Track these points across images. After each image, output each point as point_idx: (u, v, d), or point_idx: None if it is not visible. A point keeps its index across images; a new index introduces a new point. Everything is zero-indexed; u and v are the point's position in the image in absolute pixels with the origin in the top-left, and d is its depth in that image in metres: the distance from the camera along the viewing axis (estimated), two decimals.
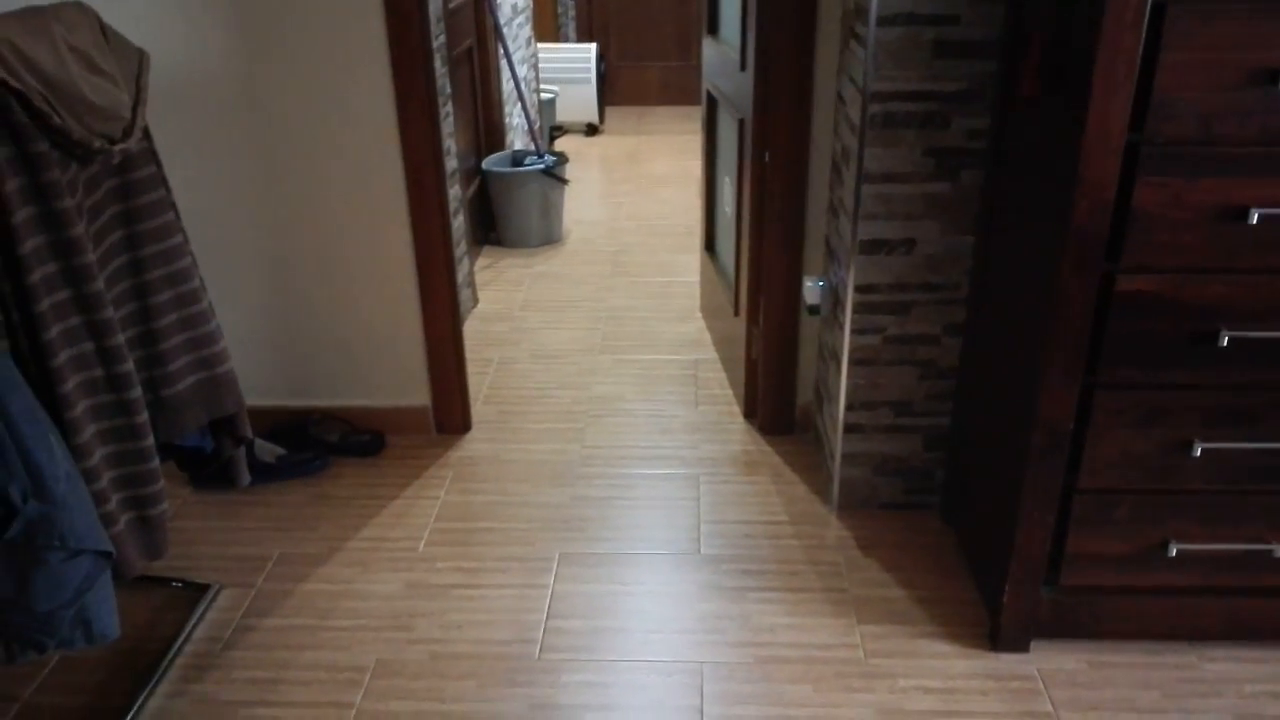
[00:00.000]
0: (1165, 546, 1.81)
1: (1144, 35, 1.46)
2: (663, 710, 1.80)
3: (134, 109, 1.55)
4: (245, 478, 1.93)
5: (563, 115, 5.83)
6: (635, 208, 4.65)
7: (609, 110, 6.51)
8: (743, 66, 2.52)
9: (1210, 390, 1.69)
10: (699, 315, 3.45)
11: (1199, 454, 1.73)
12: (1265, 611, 1.88)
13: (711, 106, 3.06)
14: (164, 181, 1.67)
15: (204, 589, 2.11)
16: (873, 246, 2.11)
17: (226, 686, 1.87)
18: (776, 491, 2.44)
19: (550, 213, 4.10)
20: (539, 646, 1.95)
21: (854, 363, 2.22)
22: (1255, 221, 1.56)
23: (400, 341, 2.61)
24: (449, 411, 2.70)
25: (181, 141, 2.39)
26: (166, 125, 2.37)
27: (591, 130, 5.99)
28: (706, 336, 3.29)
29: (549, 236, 4.14)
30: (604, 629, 2.00)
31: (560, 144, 5.62)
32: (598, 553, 2.22)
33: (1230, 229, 1.58)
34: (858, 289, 2.15)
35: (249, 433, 1.87)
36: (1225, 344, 1.65)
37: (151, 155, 1.65)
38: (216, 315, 1.79)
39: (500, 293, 3.69)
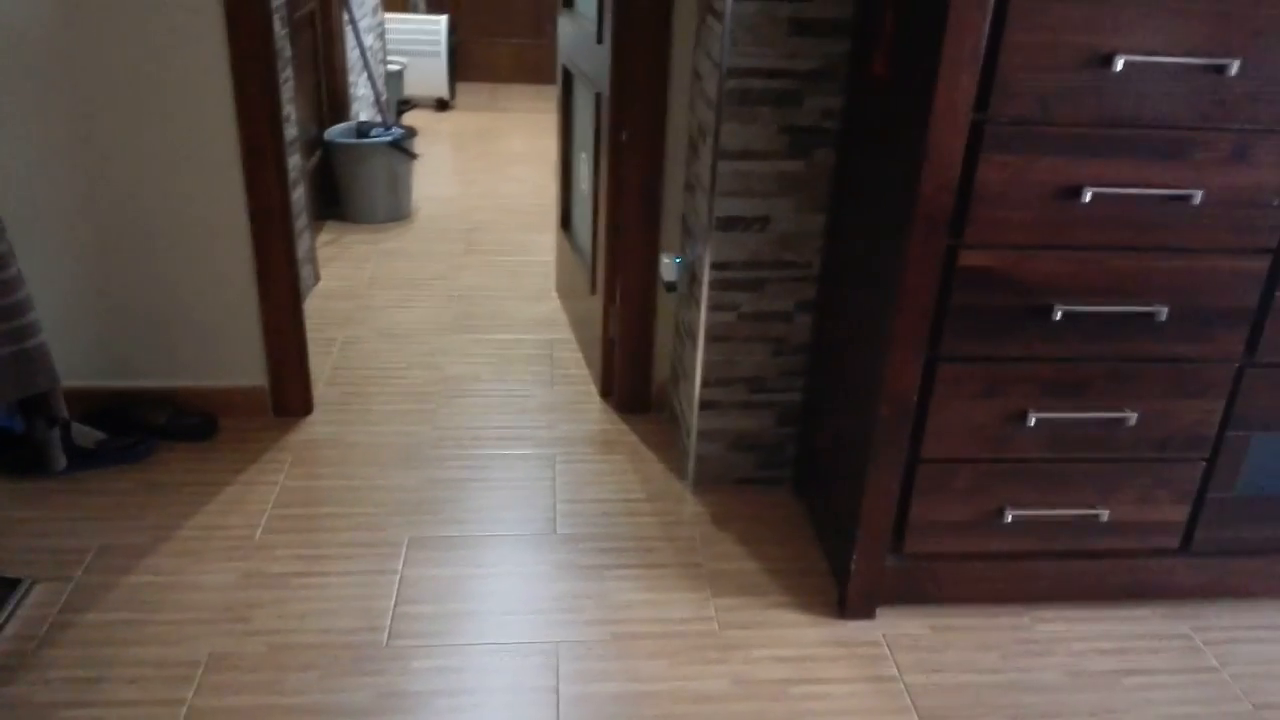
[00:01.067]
0: (1001, 513, 1.89)
1: (990, 16, 1.51)
2: (518, 692, 1.76)
3: None
4: (60, 461, 1.78)
5: (411, 89, 5.65)
6: (488, 185, 4.55)
7: (460, 86, 6.35)
8: (599, 40, 2.48)
9: (1044, 363, 1.77)
10: (554, 295, 3.40)
11: (1033, 424, 1.81)
12: (1092, 573, 1.99)
13: (568, 82, 3.01)
14: None
15: (14, 584, 1.93)
16: (729, 223, 2.11)
17: (42, 688, 1.71)
18: (633, 470, 2.43)
19: (398, 188, 3.96)
20: (387, 633, 1.87)
21: (710, 339, 2.22)
22: (1088, 200, 1.64)
23: (234, 317, 2.46)
24: (288, 392, 2.56)
25: None
26: None
27: (442, 105, 5.84)
28: (562, 316, 3.24)
29: (397, 212, 4.00)
30: (456, 613, 1.94)
31: (409, 118, 5.44)
32: (450, 535, 2.16)
33: (1065, 207, 1.65)
34: (714, 266, 2.15)
35: (64, 412, 1.72)
36: (1058, 318, 1.73)
37: None
38: (27, 285, 1.63)
39: (344, 269, 3.54)
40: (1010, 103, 1.58)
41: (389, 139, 3.85)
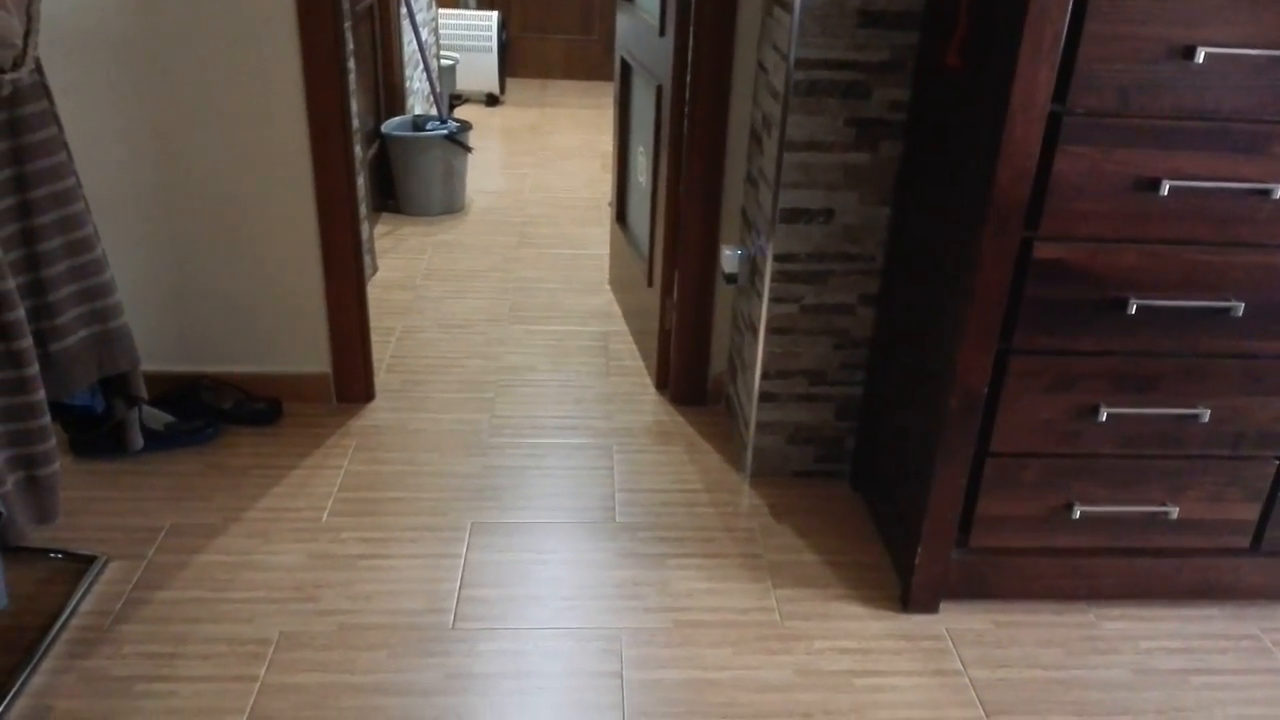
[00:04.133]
0: (1070, 509, 1.88)
1: (1070, 7, 1.50)
2: (582, 676, 1.78)
3: (25, 37, 1.43)
4: (138, 441, 1.82)
5: (463, 84, 5.69)
6: (539, 179, 4.58)
7: (509, 82, 6.39)
8: (661, 32, 2.49)
9: (1116, 357, 1.76)
10: (608, 288, 3.42)
11: (1104, 419, 1.79)
12: (1159, 572, 1.97)
13: (626, 75, 3.02)
14: (56, 119, 1.54)
15: (90, 561, 1.98)
16: (793, 215, 2.11)
17: (118, 661, 1.76)
18: (690, 460, 2.44)
19: (453, 181, 4.00)
20: (453, 616, 1.90)
21: (771, 331, 2.22)
22: (1165, 193, 1.62)
23: (300, 305, 2.50)
24: (351, 379, 2.60)
25: (70, 84, 2.23)
26: (53, 64, 2.20)
27: (492, 100, 5.88)
28: (616, 309, 3.26)
29: (451, 205, 4.04)
30: (519, 597, 1.96)
31: (460, 113, 5.48)
32: (511, 522, 2.18)
33: (1142, 200, 1.63)
34: (777, 258, 2.15)
35: (144, 392, 1.76)
36: (1133, 312, 1.71)
37: (44, 90, 1.52)
38: (110, 267, 1.67)
39: (401, 260, 3.58)
40: (1089, 94, 1.56)
41: (444, 132, 3.89)
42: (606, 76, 6.58)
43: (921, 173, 1.96)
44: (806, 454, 2.37)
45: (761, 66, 2.28)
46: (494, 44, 5.67)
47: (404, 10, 4.07)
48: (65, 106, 2.24)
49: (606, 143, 5.21)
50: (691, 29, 2.34)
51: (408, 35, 4.24)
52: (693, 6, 2.31)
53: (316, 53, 2.24)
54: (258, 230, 2.41)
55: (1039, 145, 1.59)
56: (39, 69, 1.52)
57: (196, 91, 2.27)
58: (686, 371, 2.68)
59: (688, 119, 2.42)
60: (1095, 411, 1.79)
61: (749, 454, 2.37)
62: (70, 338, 1.61)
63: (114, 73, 2.23)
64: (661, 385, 2.78)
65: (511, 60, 6.40)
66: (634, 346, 3.01)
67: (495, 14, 5.71)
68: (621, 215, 3.22)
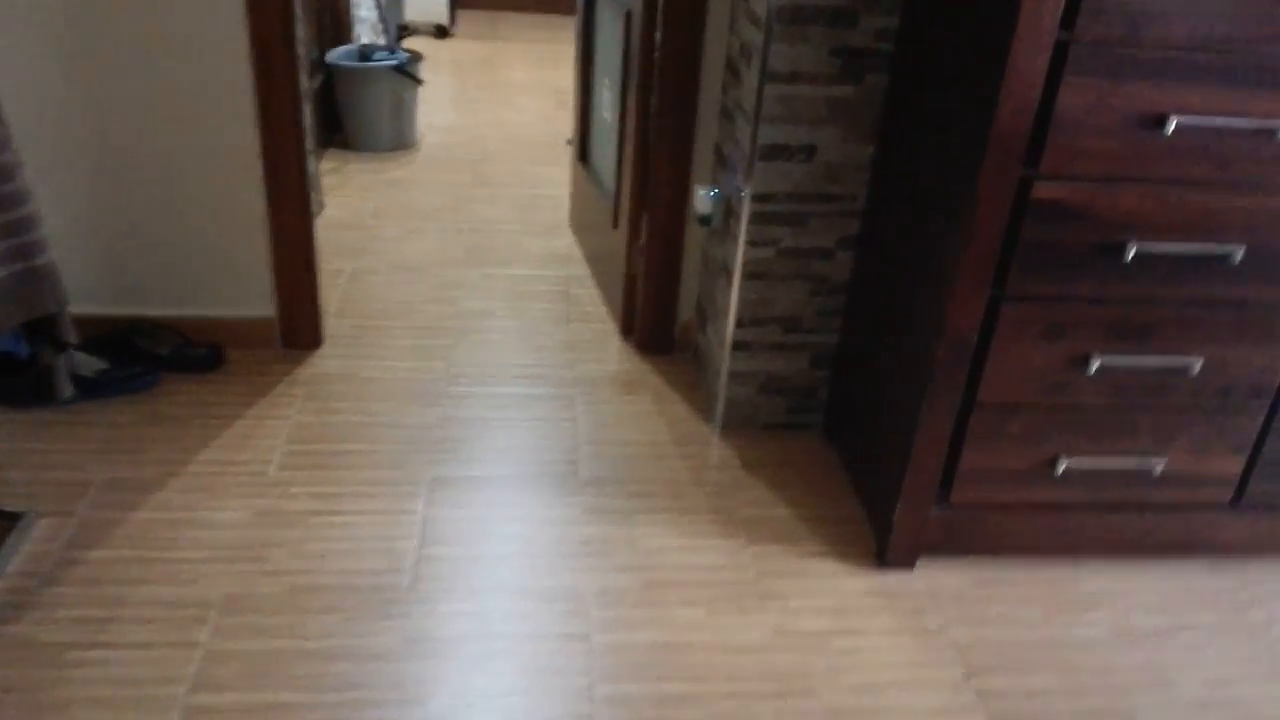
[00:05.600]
0: (1054, 463, 1.81)
1: None
2: (549, 640, 1.68)
3: None
4: (67, 390, 1.67)
5: (410, 14, 5.44)
6: (493, 115, 4.39)
7: (459, 14, 6.13)
8: None
9: (1111, 305, 1.68)
10: (568, 230, 3.28)
11: (1095, 368, 1.72)
12: (1142, 528, 1.92)
13: (590, 2, 2.86)
14: None
15: (15, 518, 1.83)
16: (773, 152, 2.00)
17: (48, 626, 1.63)
18: (658, 412, 2.34)
19: (403, 115, 3.81)
20: (412, 576, 1.79)
21: (746, 276, 2.12)
22: (1171, 131, 1.53)
23: (242, 244, 2.34)
24: (298, 324, 2.45)
25: None
26: None
27: (441, 32, 5.63)
28: (577, 252, 3.13)
29: (401, 141, 3.85)
30: (481, 556, 1.85)
31: (408, 44, 5.24)
32: (471, 475, 2.06)
33: (1147, 137, 1.54)
34: (755, 198, 2.04)
35: (73, 337, 1.61)
36: (1130, 257, 1.63)
37: None
38: (34, 198, 1.50)
39: (349, 199, 3.40)
40: (1097, 21, 1.46)
41: (394, 63, 3.68)
42: (560, 9, 6.34)
43: (909, 107, 1.85)
44: (778, 405, 2.28)
45: None
46: None
47: None
48: None
49: (562, 78, 5.02)
50: None
51: None
52: None
53: None
54: (197, 164, 2.23)
55: (1044, 76, 1.49)
56: None
57: (130, 16, 2.07)
58: (653, 318, 2.56)
59: (659, 48, 2.28)
60: (1086, 361, 1.72)
61: (719, 405, 2.27)
62: None
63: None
64: (626, 332, 2.66)
65: None
66: (597, 292, 2.89)
67: None
68: (584, 154, 3.07)
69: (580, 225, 3.13)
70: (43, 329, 1.58)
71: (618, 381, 2.45)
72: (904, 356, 1.84)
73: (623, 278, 2.61)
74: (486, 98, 4.65)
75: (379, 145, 3.80)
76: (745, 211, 2.05)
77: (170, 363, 2.33)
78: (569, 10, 6.32)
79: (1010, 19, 1.45)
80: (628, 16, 2.39)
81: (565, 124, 4.32)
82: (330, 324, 2.60)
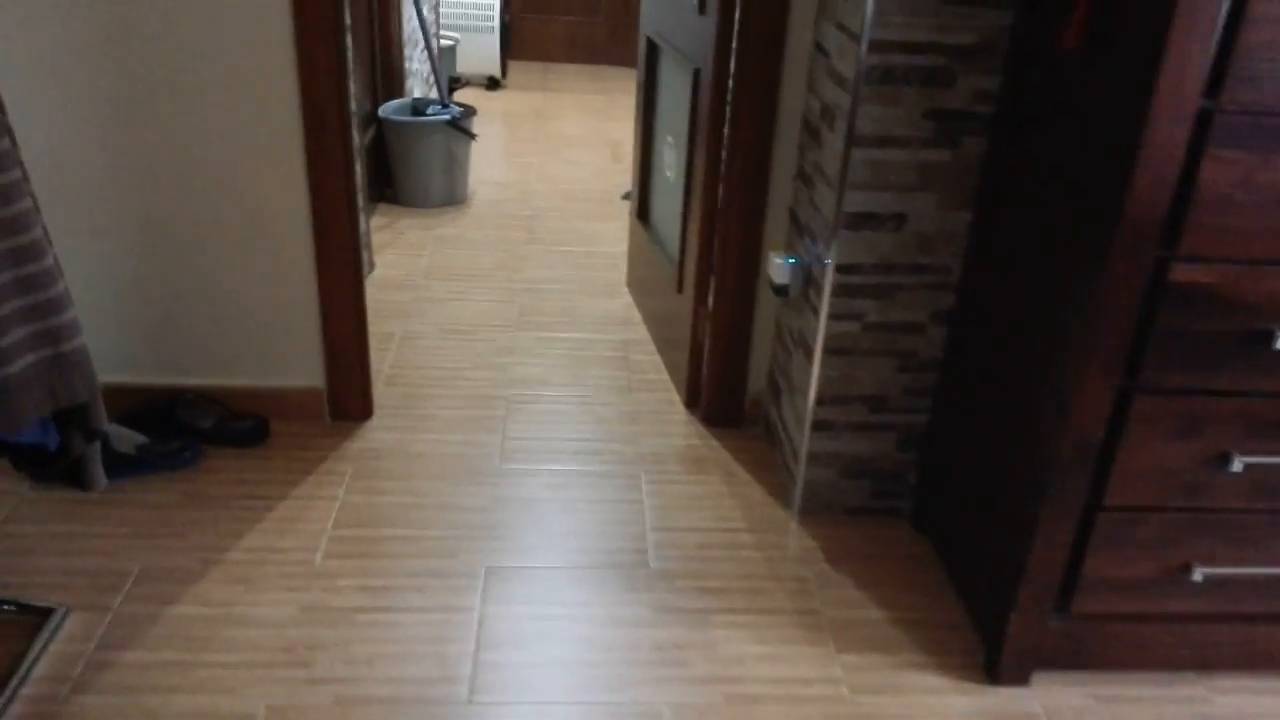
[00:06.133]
0: (1188, 570, 1.62)
1: None
2: None
3: None
4: (101, 481, 1.54)
5: (462, 66, 5.39)
6: (545, 169, 4.29)
7: (510, 65, 6.09)
8: (702, 9, 2.21)
9: (1256, 398, 1.49)
10: (626, 290, 3.14)
11: (1236, 468, 1.53)
12: (1278, 639, 1.71)
13: (652, 57, 2.74)
14: None
15: (46, 614, 1.70)
16: (859, 221, 1.84)
17: None
18: (729, 493, 2.17)
19: (455, 170, 3.71)
20: (469, 686, 1.63)
21: (828, 352, 1.96)
22: None
23: (290, 311, 2.22)
24: (347, 394, 2.32)
25: (18, 57, 1.93)
26: None
27: (493, 84, 5.57)
28: (636, 314, 2.98)
29: (452, 196, 3.75)
30: (545, 662, 1.69)
31: (459, 97, 5.18)
32: (531, 566, 1.91)
33: None
34: (838, 269, 1.88)
35: (104, 425, 1.48)
36: (1278, 346, 1.45)
37: None
38: (64, 275, 1.38)
39: (399, 257, 3.29)
40: (1248, 88, 1.30)
41: (447, 117, 3.59)
42: (611, 60, 6.28)
43: (1014, 174, 1.69)
44: (862, 489, 2.10)
45: (820, 49, 2.00)
46: (496, 24, 5.37)
47: None
48: (6, 84, 1.95)
49: (614, 130, 4.92)
50: (738, 6, 2.06)
51: (407, 11, 3.94)
52: None
53: (312, 25, 1.95)
54: (243, 228, 2.13)
55: (1184, 148, 1.32)
56: None
57: (169, 59, 1.97)
58: (721, 389, 2.40)
59: (730, 108, 2.14)
60: (1226, 460, 1.53)
61: (797, 488, 2.10)
62: (15, 364, 1.33)
63: (66, 33, 1.94)
64: (691, 404, 2.50)
65: (512, 42, 6.09)
66: (658, 358, 2.74)
67: None
68: (643, 212, 2.94)
69: (639, 286, 2.99)
70: (73, 418, 1.46)
71: (685, 458, 2.29)
72: (1014, 448, 1.66)
73: (687, 345, 2.45)
74: (539, 150, 4.56)
75: (430, 201, 3.70)
76: (827, 283, 1.90)
77: (213, 436, 2.20)
78: (620, 61, 6.26)
79: (1147, 84, 1.29)
80: (696, 74, 2.26)
81: (620, 178, 4.21)
82: (379, 392, 2.47)
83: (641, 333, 2.87)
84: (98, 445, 1.51)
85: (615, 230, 3.63)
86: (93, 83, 1.97)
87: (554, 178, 4.19)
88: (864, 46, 1.71)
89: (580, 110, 5.28)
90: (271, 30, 1.96)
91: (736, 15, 2.07)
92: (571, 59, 6.29)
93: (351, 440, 2.27)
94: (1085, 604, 1.65)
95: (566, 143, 4.70)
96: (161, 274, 2.15)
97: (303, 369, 2.28)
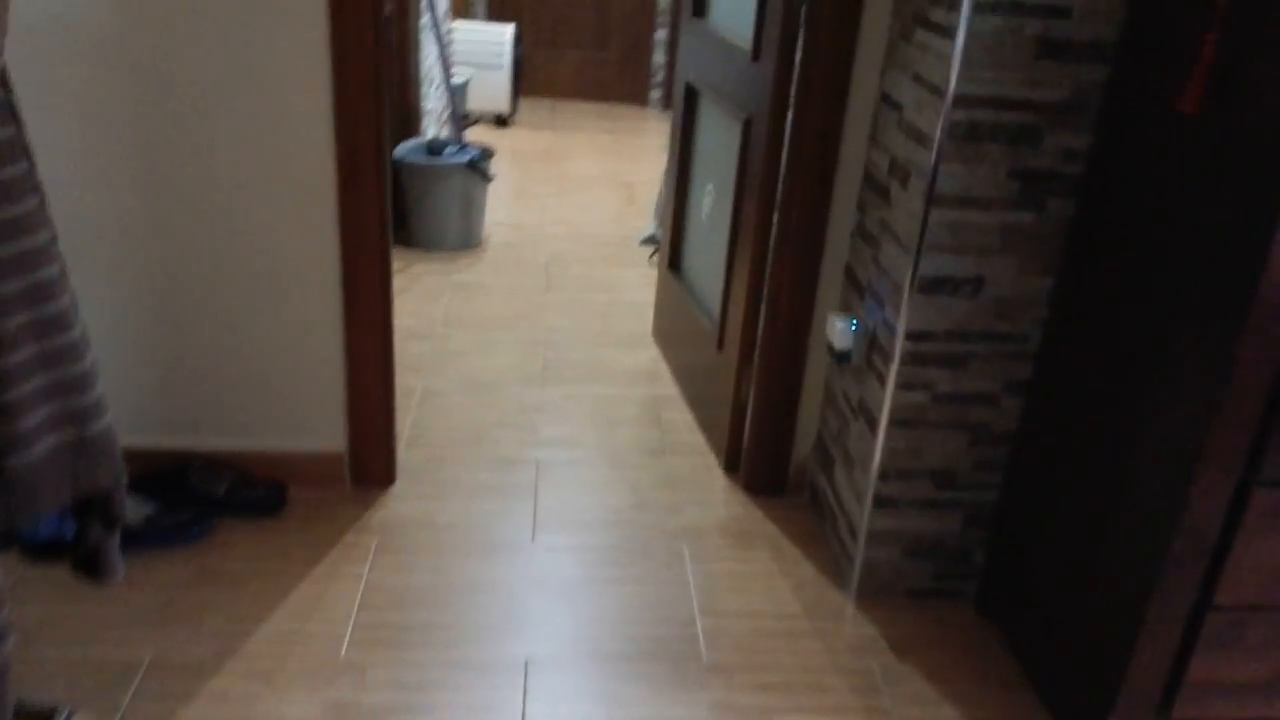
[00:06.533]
0: None
1: None
2: None
3: None
4: (118, 570, 1.39)
5: (472, 102, 5.28)
6: (561, 212, 4.17)
7: (518, 101, 5.99)
8: (755, 56, 2.10)
9: None
10: (652, 341, 3.01)
11: None
12: None
13: (691, 102, 2.63)
14: (27, 152, 1.13)
15: (48, 715, 1.54)
16: (934, 285, 1.72)
17: None
18: (780, 572, 2.03)
19: (471, 213, 3.58)
20: None
21: (895, 424, 1.82)
22: None
23: (314, 368, 2.08)
24: (370, 458, 2.17)
25: (31, 91, 1.80)
26: (15, 76, 1.77)
27: (500, 121, 5.47)
28: (663, 368, 2.85)
29: (468, 240, 3.62)
30: None
31: (468, 135, 5.07)
32: (573, 655, 1.76)
33: None
34: (910, 336, 1.75)
35: (126, 512, 1.33)
36: None
37: (11, 112, 1.10)
38: (92, 348, 1.24)
39: (417, 304, 3.15)
40: None
41: (465, 160, 3.47)
42: (621, 98, 6.19)
43: (1106, 239, 1.57)
44: (924, 570, 1.96)
45: (888, 100, 1.88)
46: (507, 60, 5.27)
47: (425, 18, 3.66)
48: (26, 121, 1.81)
49: (629, 172, 4.82)
50: (798, 54, 1.95)
51: (425, 49, 3.83)
52: (801, 26, 1.92)
53: (351, 70, 1.83)
54: (266, 277, 1.99)
55: None
56: (5, 81, 1.11)
57: (196, 106, 1.84)
58: (764, 455, 2.27)
59: (787, 160, 2.03)
60: None
61: (856, 569, 1.96)
62: (36, 447, 1.18)
63: (90, 78, 1.81)
64: (731, 468, 2.37)
65: (522, 78, 6.00)
66: (691, 416, 2.60)
67: (510, 27, 5.31)
68: (675, 262, 2.82)
69: (668, 338, 2.86)
70: (93, 504, 1.31)
71: (729, 531, 2.15)
72: (1107, 537, 1.53)
73: (728, 406, 2.32)
74: (552, 192, 4.44)
75: (445, 244, 3.57)
76: (897, 350, 1.77)
77: (226, 505, 2.05)
78: (630, 99, 6.18)
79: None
80: (747, 124, 2.15)
81: (637, 222, 4.09)
82: (402, 454, 2.32)
83: (671, 389, 2.74)
84: (117, 533, 1.36)
85: (636, 277, 3.51)
86: (114, 126, 1.83)
87: (570, 220, 4.07)
88: (948, 101, 1.59)
89: (592, 150, 5.18)
90: (307, 76, 1.83)
91: (797, 62, 1.96)
92: (580, 96, 6.20)
93: (374, 509, 2.12)
94: (1187, 709, 1.51)
95: (580, 184, 4.59)
96: (177, 328, 2.01)
97: (324, 431, 2.14)
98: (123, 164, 1.86)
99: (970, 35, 1.55)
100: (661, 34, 6.03)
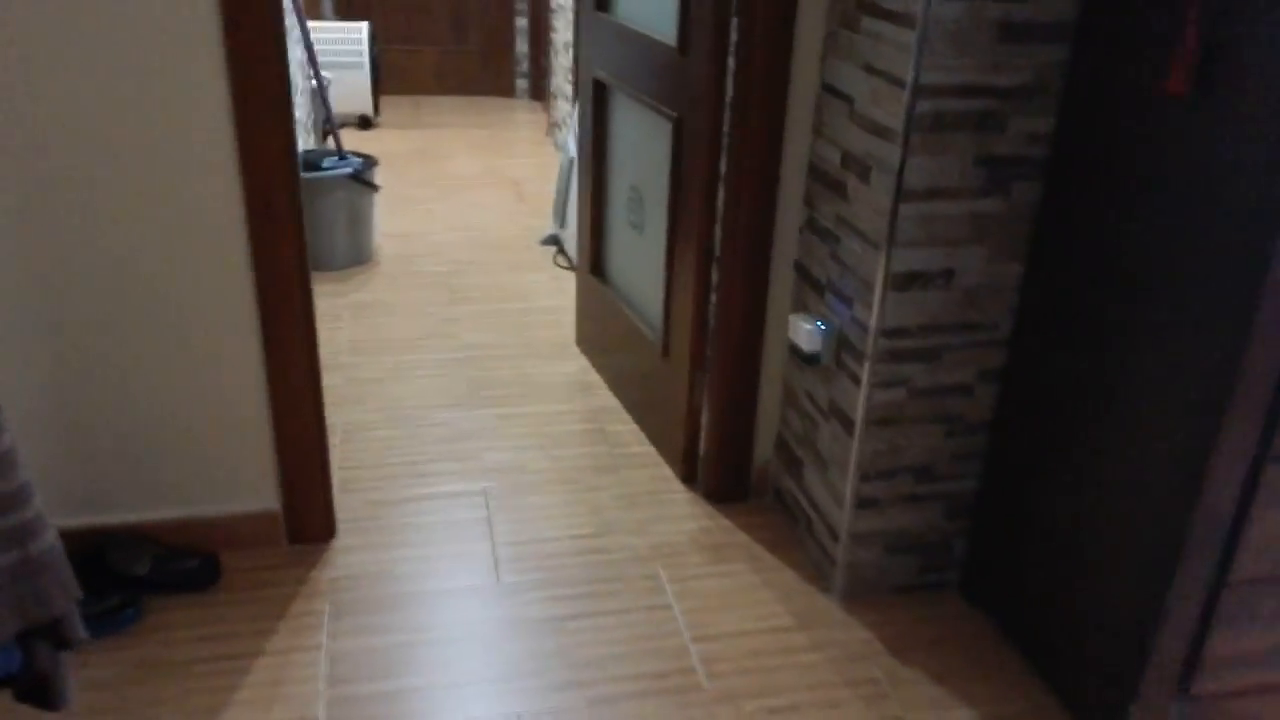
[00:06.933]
0: None
1: None
2: None
3: None
4: (69, 696, 1.20)
5: (334, 106, 4.99)
6: (450, 216, 3.98)
7: (379, 100, 5.71)
8: (683, 50, 2.00)
9: None
10: (577, 351, 2.89)
11: None
12: None
13: (601, 98, 2.51)
14: None
15: None
16: (908, 281, 1.67)
17: None
18: (762, 583, 1.96)
19: (359, 227, 3.37)
20: None
21: (873, 423, 1.78)
22: None
23: (236, 424, 1.88)
24: (307, 512, 1.99)
25: None
26: None
27: (365, 123, 5.21)
28: (595, 377, 2.74)
29: (358, 255, 3.41)
30: None
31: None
32: (575, 706, 1.64)
33: None
34: (885, 333, 1.71)
35: (81, 632, 1.15)
36: None
37: None
38: (22, 459, 1.05)
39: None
40: None
41: (349, 170, 3.25)
42: (485, 90, 6.00)
43: (1080, 221, 1.56)
44: (909, 565, 1.93)
45: (834, 92, 1.82)
46: (365, 59, 5.01)
47: (298, 20, 3.40)
48: None
49: (511, 168, 4.66)
50: (732, 46, 1.87)
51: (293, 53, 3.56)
52: (734, 15, 1.84)
53: (254, 90, 1.64)
54: (174, 326, 1.78)
55: None
56: None
57: (89, 136, 1.62)
58: (725, 462, 2.20)
59: (728, 158, 1.95)
60: None
61: (839, 572, 1.91)
62: None
63: None
64: (689, 478, 2.29)
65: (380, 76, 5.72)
66: (635, 427, 2.50)
67: (365, 25, 5.04)
68: (597, 266, 2.71)
69: (596, 346, 2.75)
70: (42, 629, 1.12)
71: (701, 545, 2.07)
72: (1109, 519, 1.52)
73: (680, 414, 2.24)
74: (436, 195, 4.24)
75: (335, 262, 3.35)
76: (869, 348, 1.72)
77: (153, 583, 1.84)
78: (495, 91, 5.99)
79: None
80: (677, 123, 2.05)
81: (531, 220, 3.95)
82: (337, 502, 2.15)
83: (608, 399, 2.64)
84: (67, 656, 1.18)
85: (544, 281, 3.38)
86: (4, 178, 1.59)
87: (461, 225, 3.89)
88: (910, 92, 1.54)
89: (467, 147, 4.98)
90: (204, 97, 1.63)
91: (731, 57, 1.88)
92: (443, 91, 5.97)
93: (319, 568, 1.95)
94: (1206, 684, 1.52)
95: (463, 184, 4.40)
96: (76, 390, 1.78)
97: (253, 489, 1.94)
98: (12, 217, 1.63)
99: (933, 22, 1.50)
100: (522, 22, 5.86)
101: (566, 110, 4.68)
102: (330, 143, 3.73)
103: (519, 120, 5.60)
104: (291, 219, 1.75)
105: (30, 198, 1.63)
